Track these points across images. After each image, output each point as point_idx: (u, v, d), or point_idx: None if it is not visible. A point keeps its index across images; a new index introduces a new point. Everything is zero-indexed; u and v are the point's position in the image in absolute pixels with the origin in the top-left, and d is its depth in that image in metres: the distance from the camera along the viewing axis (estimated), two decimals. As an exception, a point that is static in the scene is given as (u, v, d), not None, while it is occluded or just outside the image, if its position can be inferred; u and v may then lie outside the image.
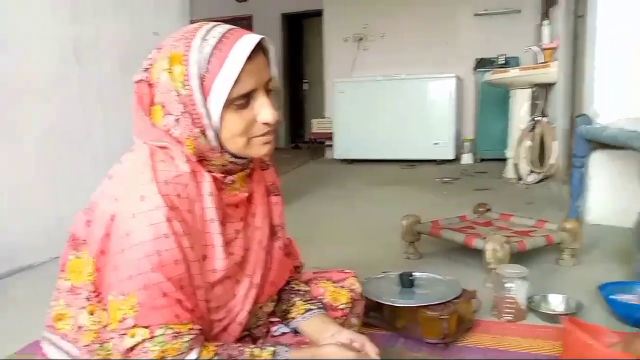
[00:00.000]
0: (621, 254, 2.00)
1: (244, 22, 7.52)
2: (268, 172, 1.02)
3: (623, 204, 2.34)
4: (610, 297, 1.54)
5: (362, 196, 3.69)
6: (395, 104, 5.26)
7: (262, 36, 0.83)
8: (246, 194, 0.92)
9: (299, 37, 7.95)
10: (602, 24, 2.53)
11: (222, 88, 0.79)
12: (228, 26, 0.84)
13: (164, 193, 0.77)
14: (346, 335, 0.97)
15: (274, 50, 0.88)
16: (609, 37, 2.52)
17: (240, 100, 0.82)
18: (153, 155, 0.80)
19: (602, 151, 2.50)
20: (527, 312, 1.52)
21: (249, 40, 0.81)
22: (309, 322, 1.02)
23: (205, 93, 0.80)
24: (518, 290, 1.48)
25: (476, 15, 5.53)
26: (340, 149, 5.49)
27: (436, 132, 5.17)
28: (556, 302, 1.57)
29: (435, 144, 5.18)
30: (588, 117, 2.45)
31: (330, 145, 5.74)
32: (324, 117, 6.19)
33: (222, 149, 0.85)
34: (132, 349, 0.76)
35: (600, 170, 2.56)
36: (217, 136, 0.83)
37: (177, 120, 0.82)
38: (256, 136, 0.85)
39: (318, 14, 6.42)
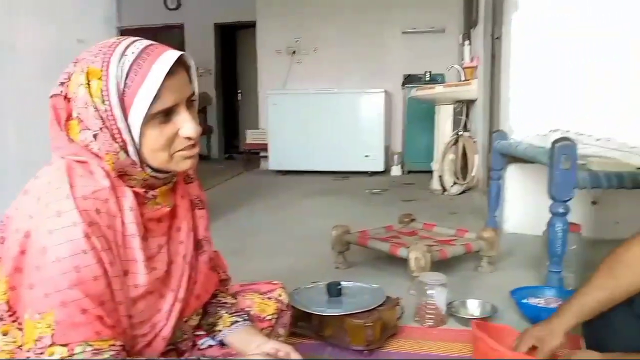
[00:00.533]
0: (533, 261, 2.16)
1: (176, 31, 7.37)
2: (192, 185, 1.01)
3: (535, 213, 2.53)
4: (522, 301, 1.67)
5: (295, 207, 3.72)
6: (328, 116, 5.37)
7: (182, 52, 0.83)
8: (169, 208, 0.91)
9: (233, 47, 7.91)
10: (515, 46, 2.74)
11: (142, 104, 0.79)
12: (148, 41, 0.83)
13: (82, 208, 0.75)
14: (272, 345, 0.98)
15: (195, 66, 0.88)
16: (521, 59, 2.73)
17: (161, 116, 0.81)
18: (70, 170, 0.78)
19: (516, 165, 2.70)
20: (448, 317, 1.61)
21: (169, 56, 0.81)
22: (235, 334, 1.02)
23: (125, 108, 0.79)
24: (438, 297, 1.56)
25: (404, 33, 5.78)
26: (275, 160, 5.51)
27: (367, 145, 5.32)
28: (473, 307, 1.67)
29: (366, 156, 5.32)
30: (504, 133, 2.64)
31: (265, 156, 5.74)
32: (258, 128, 6.19)
33: (143, 163, 0.84)
34: None
35: (515, 182, 2.76)
36: (138, 151, 0.82)
37: (95, 135, 0.80)
38: (178, 151, 0.85)
39: (251, 25, 6.43)
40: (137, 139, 0.81)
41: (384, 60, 5.85)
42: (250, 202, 3.87)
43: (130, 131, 0.80)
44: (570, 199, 1.72)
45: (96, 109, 0.79)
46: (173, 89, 0.81)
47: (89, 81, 0.79)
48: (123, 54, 0.80)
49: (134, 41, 0.82)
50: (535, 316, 1.56)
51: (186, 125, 0.83)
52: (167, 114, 0.82)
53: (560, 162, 1.68)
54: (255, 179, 5.35)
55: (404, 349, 1.44)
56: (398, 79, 5.66)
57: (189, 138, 0.84)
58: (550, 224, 1.75)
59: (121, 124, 0.80)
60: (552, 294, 1.68)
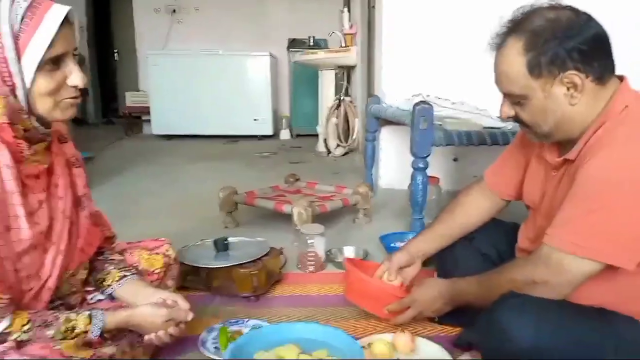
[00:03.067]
0: (402, 211, 2.44)
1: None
2: (67, 145, 1.05)
3: (405, 170, 2.82)
4: (391, 245, 1.90)
5: (182, 172, 3.69)
6: (214, 79, 5.26)
7: (69, 7, 0.88)
8: (45, 166, 0.94)
9: (106, 3, 7.32)
10: (387, 16, 2.96)
11: (36, 49, 0.83)
12: None
13: None
14: (160, 294, 1.06)
15: (77, 23, 0.92)
16: (392, 28, 2.95)
17: (50, 64, 0.86)
18: None
19: (388, 127, 2.96)
20: (326, 263, 1.80)
21: (61, 8, 0.86)
22: (124, 288, 1.08)
23: (19, 53, 0.83)
24: (318, 245, 1.74)
25: (288, -5, 5.81)
26: (159, 124, 5.31)
27: (255, 109, 5.34)
28: (349, 252, 1.88)
29: (255, 120, 5.35)
30: (377, 97, 2.86)
31: (148, 120, 5.50)
32: (138, 90, 5.89)
33: (30, 111, 0.87)
34: None
35: (388, 143, 3.03)
36: (27, 97, 0.86)
37: None
38: (64, 99, 0.90)
39: (127, -20, 6.02)
40: (28, 84, 0.85)
41: (268, 23, 5.85)
42: (134, 167, 3.75)
43: (22, 75, 0.84)
44: (428, 155, 1.97)
45: None
46: (63, 39, 0.86)
47: None
48: (14, 0, 0.83)
49: None
50: (400, 257, 1.80)
51: (74, 74, 0.90)
52: (55, 63, 0.87)
53: (419, 123, 1.91)
54: (137, 145, 5.13)
55: (288, 293, 1.59)
56: (283, 42, 5.71)
57: (75, 87, 0.90)
58: (412, 178, 2.00)
59: (13, 67, 0.83)
60: (415, 237, 1.93)
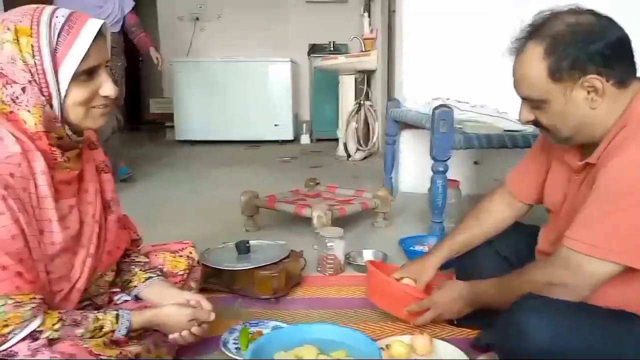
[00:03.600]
0: (422, 215, 2.44)
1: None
2: (97, 152, 1.10)
3: (424, 173, 2.81)
4: (411, 248, 1.91)
5: (205, 177, 3.75)
6: (236, 85, 5.34)
7: (103, 21, 0.94)
8: (77, 172, 0.99)
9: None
10: (407, 20, 2.97)
11: (72, 60, 0.88)
12: (68, 9, 0.93)
13: None
14: (184, 296, 1.10)
15: (109, 35, 0.99)
16: (413, 33, 2.96)
17: (85, 74, 0.91)
18: None
19: (408, 130, 2.96)
20: (346, 266, 1.81)
21: (95, 22, 0.92)
22: (149, 289, 1.12)
23: (56, 64, 0.88)
24: (337, 248, 1.75)
25: (308, 2, 5.87)
26: (182, 130, 5.41)
27: (276, 114, 5.40)
28: (368, 256, 1.88)
29: (276, 125, 5.41)
30: (397, 101, 2.87)
31: (172, 126, 5.61)
32: (163, 97, 6.01)
33: (64, 120, 0.92)
34: None
35: (407, 146, 3.03)
36: (61, 107, 0.91)
37: (23, 89, 0.87)
38: (95, 107, 0.95)
39: (151, -11, 6.15)
40: (63, 93, 0.90)
41: (289, 30, 5.91)
42: (158, 173, 3.84)
43: (58, 85, 0.89)
44: (448, 158, 1.97)
45: (25, 63, 0.86)
46: (97, 51, 0.91)
47: (17, 38, 0.86)
48: (52, 15, 0.89)
49: (56, 8, 0.92)
50: (419, 260, 1.80)
51: (106, 84, 0.94)
52: (89, 74, 0.92)
53: (439, 126, 1.91)
54: (161, 150, 5.23)
55: (307, 295, 1.61)
56: (304, 48, 5.76)
57: (106, 97, 0.94)
58: (432, 181, 2.00)
59: (50, 78, 0.88)
60: (435, 241, 1.93)
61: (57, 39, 0.88)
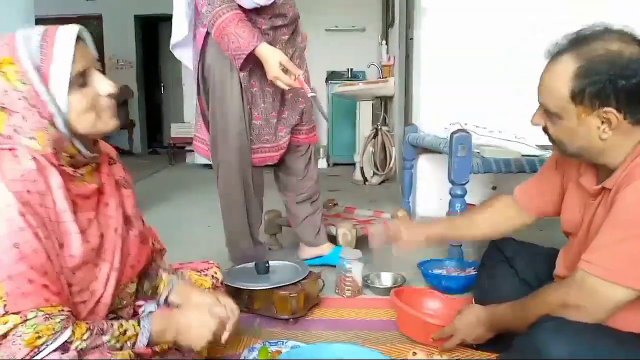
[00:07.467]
0: (440, 239, 2.43)
1: (93, 22, 7.10)
2: (116, 167, 1.11)
3: (442, 197, 2.82)
4: (429, 271, 1.91)
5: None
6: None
7: (79, 26, 0.93)
8: (95, 186, 0.99)
9: (155, 40, 7.75)
10: (425, 47, 3.02)
11: (61, 70, 0.88)
12: (42, 26, 0.92)
13: (14, 190, 0.83)
14: (207, 297, 1.14)
15: (90, 36, 0.97)
16: (431, 60, 3.00)
17: (79, 80, 0.90)
18: None
19: (425, 155, 2.98)
20: (364, 288, 1.82)
21: (70, 28, 0.91)
22: (175, 290, 1.15)
23: (45, 81, 0.88)
24: (355, 271, 1.76)
25: (327, 30, 5.99)
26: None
27: (294, 139, 5.45)
28: (386, 279, 1.89)
29: (293, 149, 5.46)
30: (414, 126, 2.90)
31: (192, 150, 5.69)
32: (183, 122, 6.13)
33: (72, 137, 0.92)
34: (5, 335, 0.80)
35: (425, 170, 3.04)
36: (66, 122, 0.91)
37: (24, 117, 0.88)
38: (103, 110, 0.95)
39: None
40: (64, 108, 0.90)
41: (307, 57, 5.99)
42: (177, 196, 3.89)
43: (55, 102, 0.89)
44: (466, 182, 1.98)
45: (17, 91, 0.87)
46: (82, 55, 0.91)
47: (1, 69, 0.86)
48: (26, 37, 0.89)
49: (29, 28, 0.91)
50: (438, 283, 1.80)
51: (102, 83, 0.94)
52: (83, 78, 0.91)
53: (457, 150, 1.93)
54: (180, 174, 5.32)
55: (325, 316, 1.62)
56: (322, 75, 5.86)
57: (109, 95, 0.94)
58: (450, 205, 2.01)
59: (45, 97, 0.88)
60: (453, 264, 1.93)
61: (40, 55, 0.87)
